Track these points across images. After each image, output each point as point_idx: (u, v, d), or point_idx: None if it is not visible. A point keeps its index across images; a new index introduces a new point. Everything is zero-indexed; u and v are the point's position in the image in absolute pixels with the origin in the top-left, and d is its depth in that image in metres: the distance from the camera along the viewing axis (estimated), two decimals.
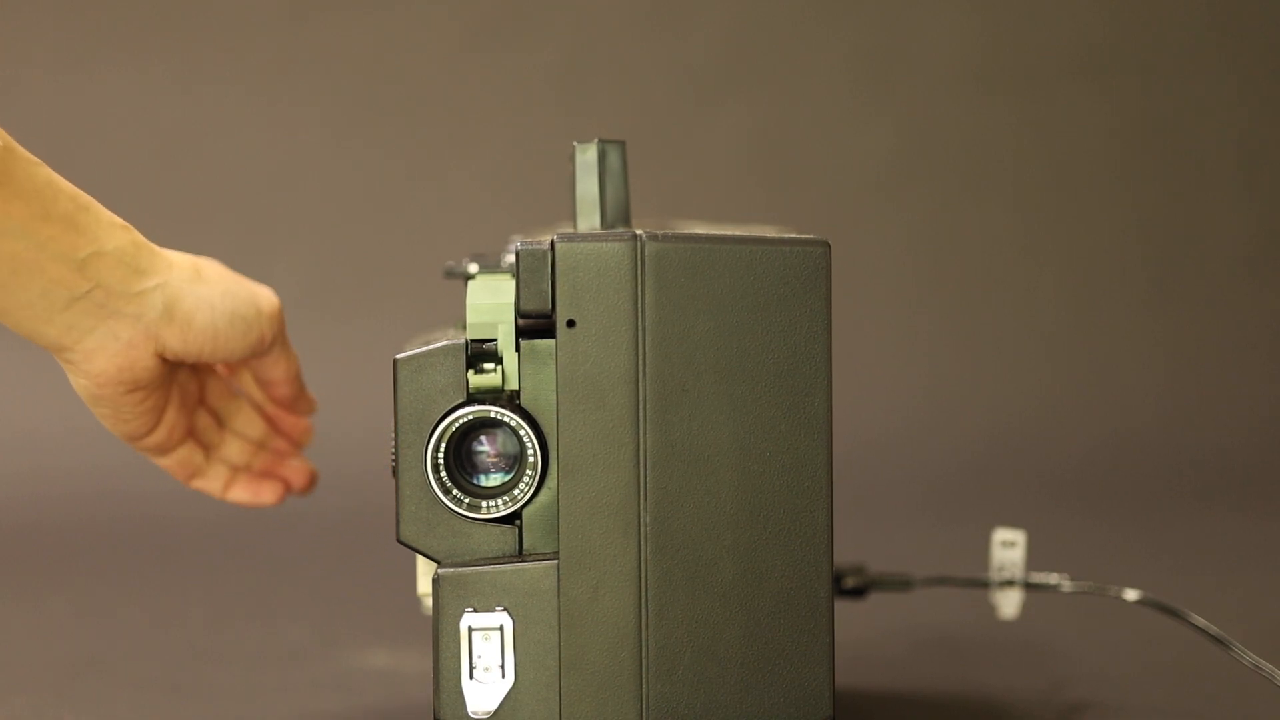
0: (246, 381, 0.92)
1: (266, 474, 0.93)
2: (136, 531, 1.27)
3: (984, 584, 0.93)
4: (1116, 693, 0.96)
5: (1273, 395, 1.86)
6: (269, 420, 0.93)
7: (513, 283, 0.73)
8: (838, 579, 0.92)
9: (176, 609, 1.25)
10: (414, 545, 0.73)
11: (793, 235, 0.74)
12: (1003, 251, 1.93)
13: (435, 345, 0.73)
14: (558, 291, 0.72)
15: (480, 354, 0.73)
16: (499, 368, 0.73)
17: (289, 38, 1.90)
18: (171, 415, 0.86)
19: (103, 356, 0.79)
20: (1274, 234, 1.95)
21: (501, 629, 0.73)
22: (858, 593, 0.94)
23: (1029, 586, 0.93)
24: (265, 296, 0.85)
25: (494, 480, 0.73)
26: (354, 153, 1.90)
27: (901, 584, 0.95)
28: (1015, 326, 1.90)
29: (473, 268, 0.79)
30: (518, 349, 0.73)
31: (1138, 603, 0.93)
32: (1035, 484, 1.71)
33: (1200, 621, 0.91)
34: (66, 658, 1.10)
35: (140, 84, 1.88)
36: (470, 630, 0.72)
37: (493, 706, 0.73)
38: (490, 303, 0.73)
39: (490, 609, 0.73)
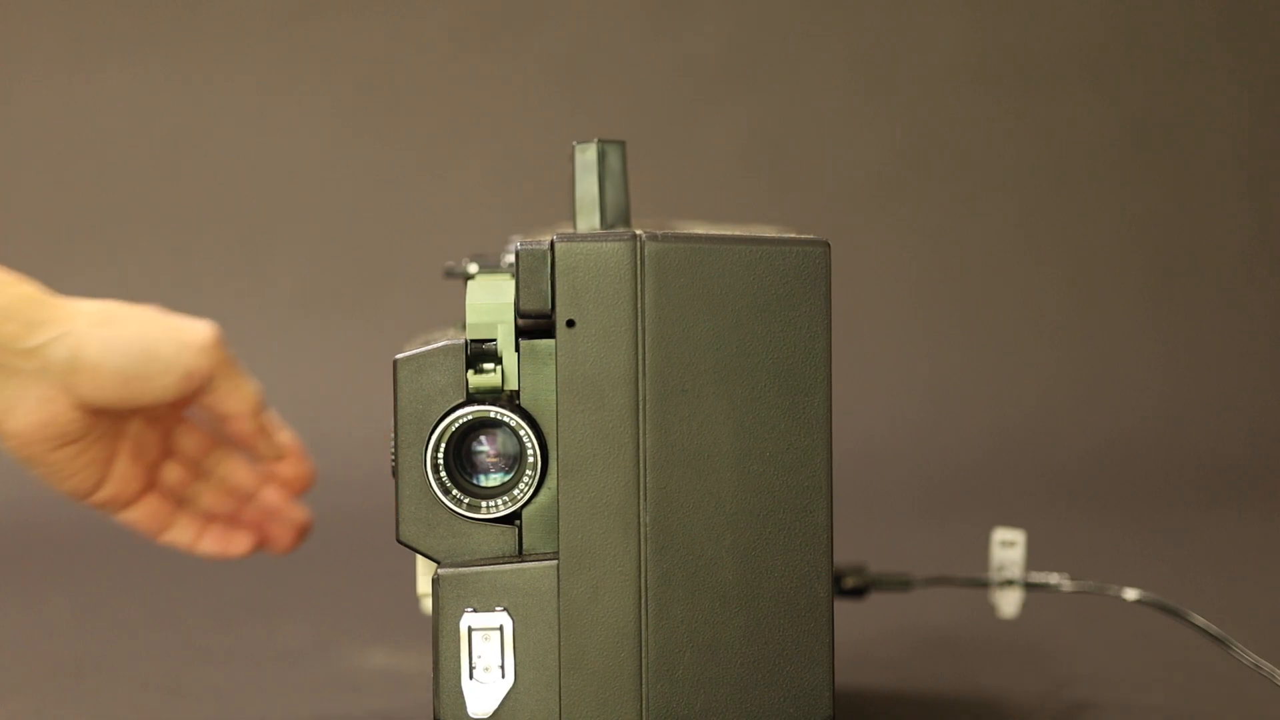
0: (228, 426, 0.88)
1: (244, 524, 0.90)
2: (136, 531, 1.27)
3: (984, 584, 0.93)
4: (1116, 693, 0.96)
5: (1273, 395, 1.86)
6: (264, 469, 0.90)
7: (512, 283, 0.73)
8: (838, 579, 0.92)
9: (176, 609, 1.25)
10: (414, 545, 0.73)
11: (793, 235, 0.74)
12: (1003, 251, 1.93)
13: (435, 345, 0.73)
14: (557, 291, 0.72)
15: (480, 354, 0.73)
16: (499, 368, 0.73)
17: (288, 37, 1.90)
18: (122, 468, 0.84)
19: (16, 416, 0.78)
20: (1274, 234, 1.95)
21: (501, 629, 0.73)
22: (858, 593, 0.94)
23: (1029, 586, 0.93)
24: (194, 330, 0.82)
25: (494, 480, 0.73)
26: (353, 153, 1.90)
27: (901, 584, 0.95)
28: (1015, 326, 1.90)
29: (473, 268, 0.79)
30: (517, 349, 0.73)
31: (1138, 603, 0.93)
32: (1035, 484, 1.71)
33: (1200, 621, 0.91)
34: (66, 658, 1.10)
35: (140, 84, 1.88)
36: (470, 630, 0.72)
37: (493, 707, 0.73)
38: (490, 303, 0.73)
39: (490, 609, 0.73)
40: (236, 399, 0.85)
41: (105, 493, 0.84)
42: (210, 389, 0.83)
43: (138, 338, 0.80)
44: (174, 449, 0.88)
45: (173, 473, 0.88)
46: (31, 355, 0.77)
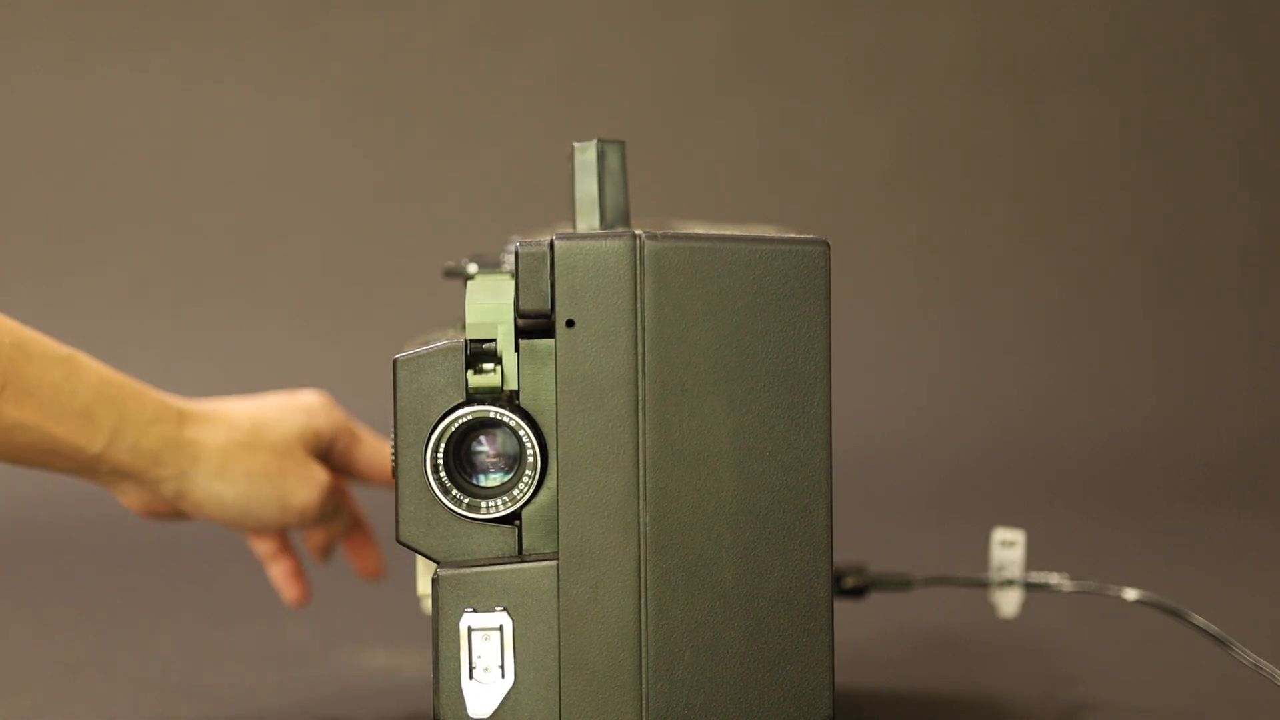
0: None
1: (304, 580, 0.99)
2: (136, 532, 1.27)
3: (984, 584, 0.93)
4: (1116, 693, 0.96)
5: (1272, 395, 1.86)
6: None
7: (512, 283, 0.73)
8: (838, 579, 0.92)
9: (176, 609, 1.25)
10: (414, 545, 0.73)
11: (792, 235, 0.74)
12: (1002, 251, 1.93)
13: (435, 345, 0.73)
14: (557, 291, 0.72)
15: (480, 354, 0.73)
16: (498, 368, 0.73)
17: (289, 37, 1.90)
18: None
19: (139, 501, 0.88)
20: (1273, 234, 1.95)
21: (501, 629, 0.73)
22: (858, 593, 0.94)
23: (1029, 586, 0.93)
24: (301, 492, 0.89)
25: (493, 480, 0.73)
26: (353, 152, 1.90)
27: (901, 584, 0.95)
28: (1015, 326, 1.90)
29: (472, 268, 0.79)
30: (517, 349, 0.73)
31: (1138, 603, 0.93)
32: (1035, 484, 1.71)
33: (1200, 621, 0.91)
34: (66, 658, 1.10)
35: (140, 83, 1.88)
36: (470, 630, 0.72)
37: (493, 707, 0.73)
38: (490, 303, 0.73)
39: (490, 609, 0.73)
40: (323, 535, 0.96)
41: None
42: (303, 526, 0.92)
43: (241, 498, 0.87)
44: None
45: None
46: (148, 483, 0.85)
